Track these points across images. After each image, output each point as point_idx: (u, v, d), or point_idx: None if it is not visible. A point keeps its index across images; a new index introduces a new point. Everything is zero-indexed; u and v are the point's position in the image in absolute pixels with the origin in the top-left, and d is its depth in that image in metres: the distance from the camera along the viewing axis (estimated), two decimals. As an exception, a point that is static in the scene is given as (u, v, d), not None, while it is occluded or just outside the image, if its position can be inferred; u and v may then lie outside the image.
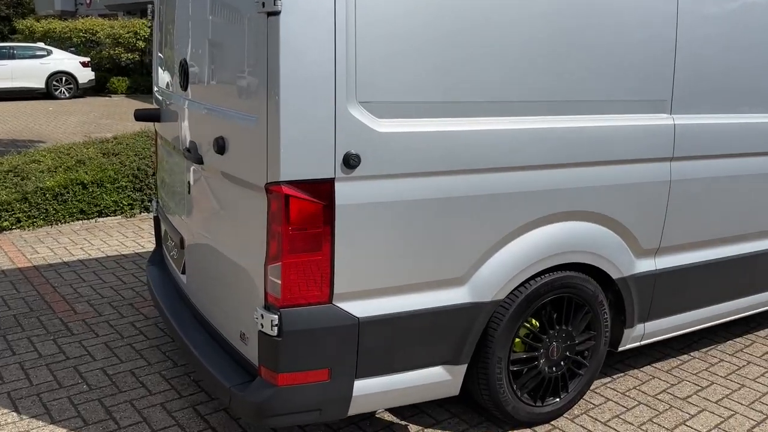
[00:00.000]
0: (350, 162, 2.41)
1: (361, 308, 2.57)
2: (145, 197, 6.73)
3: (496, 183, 2.71)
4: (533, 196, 2.81)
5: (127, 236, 6.03)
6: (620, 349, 3.41)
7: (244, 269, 2.64)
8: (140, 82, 21.37)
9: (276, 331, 2.45)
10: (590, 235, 3.03)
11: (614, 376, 3.67)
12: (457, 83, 2.57)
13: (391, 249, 2.57)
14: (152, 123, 3.95)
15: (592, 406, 3.37)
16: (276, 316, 2.44)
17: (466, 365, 2.86)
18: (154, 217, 4.11)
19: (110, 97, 20.41)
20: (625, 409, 3.35)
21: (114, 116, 15.21)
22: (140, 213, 6.75)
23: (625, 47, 2.92)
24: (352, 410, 2.68)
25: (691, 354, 3.97)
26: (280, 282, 2.42)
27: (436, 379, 2.81)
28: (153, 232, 6.11)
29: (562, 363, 3.14)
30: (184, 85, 3.18)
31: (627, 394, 3.50)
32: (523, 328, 2.99)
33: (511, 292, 2.87)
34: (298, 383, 2.52)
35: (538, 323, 3.04)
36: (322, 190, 2.40)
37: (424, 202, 2.59)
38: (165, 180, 3.80)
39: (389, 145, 2.48)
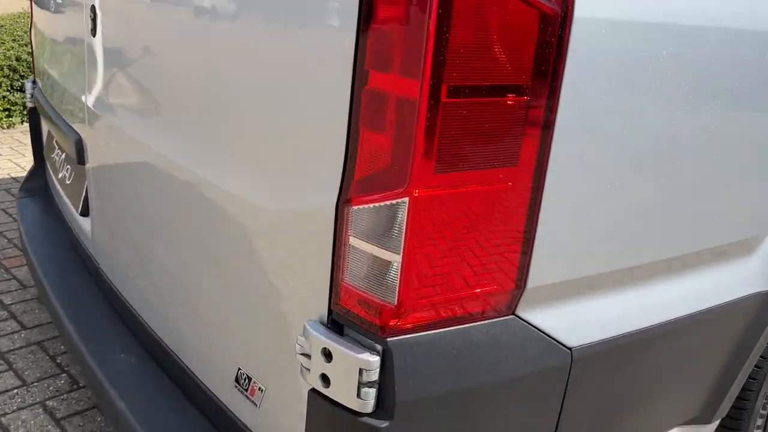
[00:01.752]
0: None
1: (574, 324, 0.98)
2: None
3: None
4: None
5: (1, 153, 4.13)
6: None
7: (254, 211, 0.98)
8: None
9: (371, 403, 0.82)
10: None
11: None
12: None
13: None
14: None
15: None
16: (375, 359, 0.81)
17: (717, 423, 1.35)
18: (31, 108, 2.29)
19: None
20: None
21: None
22: (22, 123, 4.82)
23: None
24: None
25: None
26: (398, 262, 0.78)
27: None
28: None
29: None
30: None
31: None
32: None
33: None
34: None
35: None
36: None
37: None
38: (45, 38, 1.99)
39: None
